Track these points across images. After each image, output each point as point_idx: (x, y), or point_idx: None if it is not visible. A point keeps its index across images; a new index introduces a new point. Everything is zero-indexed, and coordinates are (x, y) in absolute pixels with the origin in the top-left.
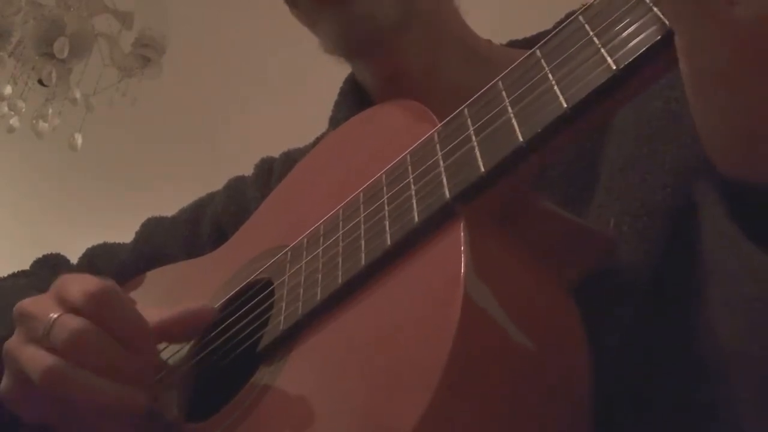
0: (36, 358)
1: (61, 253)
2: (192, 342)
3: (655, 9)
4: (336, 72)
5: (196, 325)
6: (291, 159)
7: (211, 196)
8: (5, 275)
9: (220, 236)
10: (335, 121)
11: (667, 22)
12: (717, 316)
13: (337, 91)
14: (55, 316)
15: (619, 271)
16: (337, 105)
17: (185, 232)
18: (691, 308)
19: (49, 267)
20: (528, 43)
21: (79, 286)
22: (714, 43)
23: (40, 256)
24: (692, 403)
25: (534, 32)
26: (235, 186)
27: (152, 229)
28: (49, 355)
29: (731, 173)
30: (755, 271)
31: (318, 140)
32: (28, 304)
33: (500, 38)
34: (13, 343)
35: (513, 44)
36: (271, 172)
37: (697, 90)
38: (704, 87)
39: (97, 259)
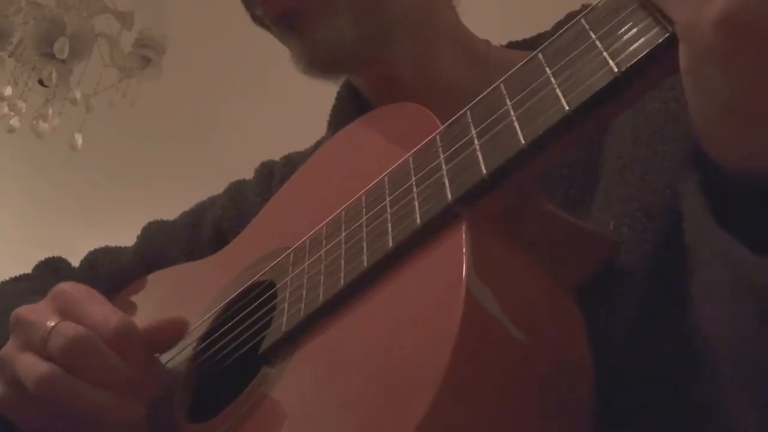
0: (31, 366)
1: (63, 257)
2: (194, 344)
3: (657, 14)
4: None
5: (168, 338)
6: (292, 163)
7: (213, 200)
8: (7, 278)
9: (220, 240)
10: (333, 126)
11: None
12: (699, 305)
13: (336, 90)
14: (53, 323)
15: (618, 273)
16: (335, 110)
17: (186, 236)
18: (688, 308)
19: (51, 270)
20: (527, 44)
21: (78, 295)
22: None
23: (42, 258)
24: (689, 402)
25: (533, 33)
26: (236, 190)
27: (153, 232)
28: (45, 363)
29: (723, 157)
30: (723, 255)
31: (318, 144)
32: (25, 311)
33: (499, 39)
34: (8, 350)
35: (512, 45)
36: (272, 176)
37: (691, 71)
38: (698, 68)
39: (98, 263)
